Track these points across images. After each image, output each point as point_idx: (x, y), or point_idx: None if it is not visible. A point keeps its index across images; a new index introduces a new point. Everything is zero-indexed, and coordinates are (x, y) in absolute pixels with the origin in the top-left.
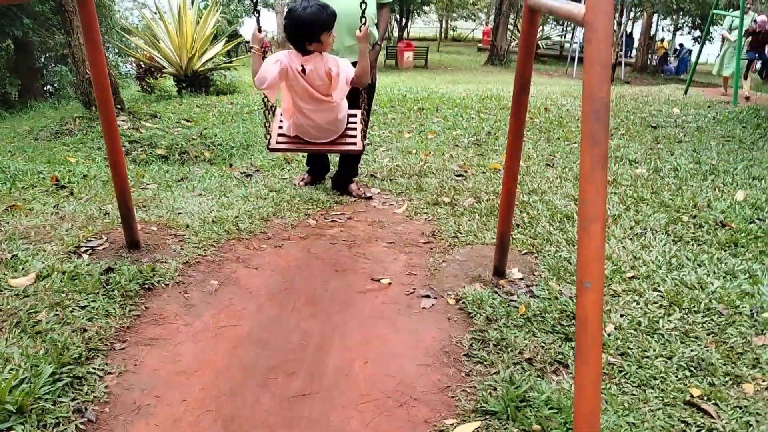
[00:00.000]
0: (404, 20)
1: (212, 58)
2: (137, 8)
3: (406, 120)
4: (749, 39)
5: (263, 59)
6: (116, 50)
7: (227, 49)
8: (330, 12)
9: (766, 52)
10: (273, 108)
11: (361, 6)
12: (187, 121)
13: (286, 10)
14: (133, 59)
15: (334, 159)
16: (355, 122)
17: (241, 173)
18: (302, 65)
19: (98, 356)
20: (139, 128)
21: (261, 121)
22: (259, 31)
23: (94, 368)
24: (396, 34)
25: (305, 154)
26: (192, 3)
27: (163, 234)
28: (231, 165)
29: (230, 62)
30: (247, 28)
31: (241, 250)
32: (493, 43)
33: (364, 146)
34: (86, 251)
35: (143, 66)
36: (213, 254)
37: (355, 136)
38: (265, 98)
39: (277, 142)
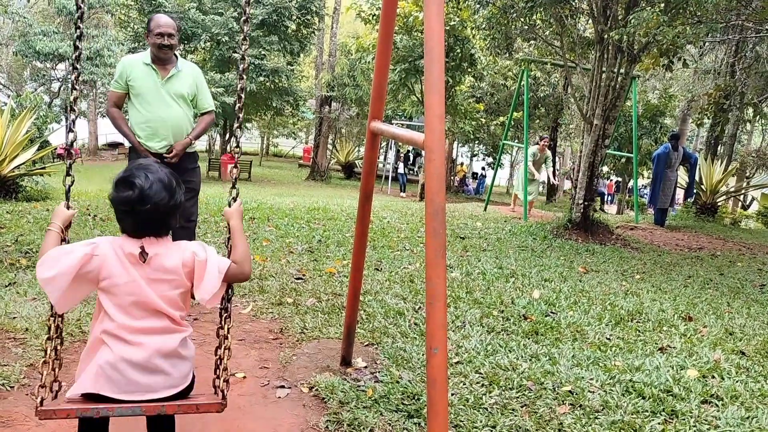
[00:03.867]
0: (227, 134)
1: (24, 163)
2: None
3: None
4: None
5: (60, 238)
6: None
7: (41, 155)
8: (176, 190)
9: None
10: (59, 332)
11: (238, 119)
12: None
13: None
14: None
15: None
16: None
17: None
18: (141, 247)
19: None
20: None
21: (84, 227)
22: (68, 207)
23: None
24: (218, 147)
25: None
26: (5, 105)
27: (0, 338)
28: None
29: (44, 168)
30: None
31: None
32: (314, 160)
33: (225, 398)
34: None
35: None
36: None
37: (202, 393)
38: (51, 316)
39: (52, 407)
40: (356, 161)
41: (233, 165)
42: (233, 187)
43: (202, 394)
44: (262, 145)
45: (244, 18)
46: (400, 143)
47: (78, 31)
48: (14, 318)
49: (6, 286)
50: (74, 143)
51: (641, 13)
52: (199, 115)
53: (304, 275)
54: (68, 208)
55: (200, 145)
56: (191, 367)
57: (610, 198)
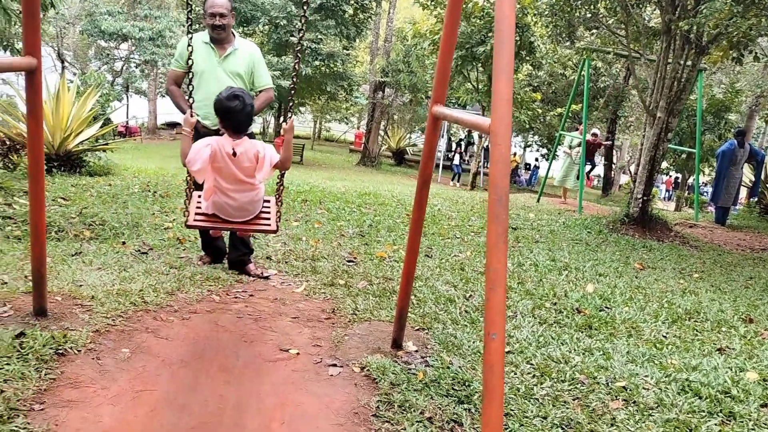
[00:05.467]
0: (281, 117)
1: (88, 138)
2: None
3: (291, 210)
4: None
5: (190, 139)
6: None
7: (103, 132)
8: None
9: (594, 159)
10: (191, 188)
11: (291, 93)
12: (64, 199)
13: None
14: None
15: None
16: (269, 207)
17: (136, 251)
18: (233, 149)
19: (19, 416)
20: (11, 204)
21: (144, 203)
22: (191, 116)
23: (17, 426)
24: (272, 129)
25: (199, 239)
26: (71, 83)
27: (68, 304)
28: (124, 243)
29: (107, 144)
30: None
31: (149, 321)
32: (366, 145)
33: (278, 227)
34: None
35: (7, 142)
36: (122, 324)
37: (269, 218)
38: (188, 177)
39: (195, 219)
40: (407, 148)
41: (291, 87)
42: (289, 109)
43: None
44: (314, 129)
45: (303, 0)
46: (451, 132)
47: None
48: (80, 286)
49: (72, 255)
50: (136, 120)
51: (713, 2)
52: (257, 92)
53: (355, 258)
54: (192, 116)
55: (254, 127)
56: (261, 202)
57: (668, 194)
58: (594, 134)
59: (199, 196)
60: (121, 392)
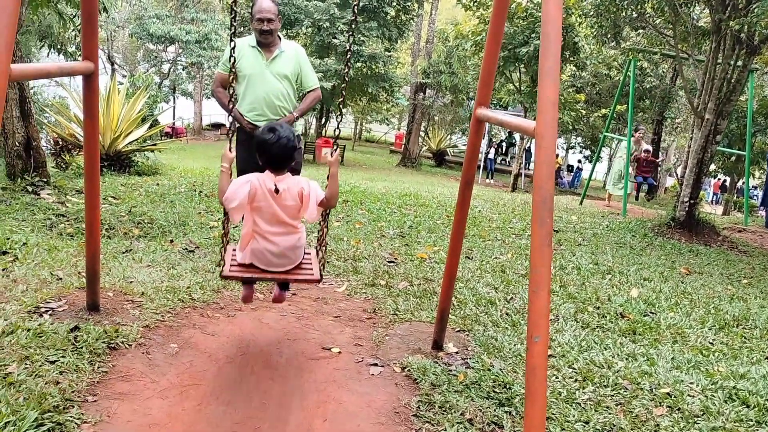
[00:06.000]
0: (323, 119)
1: (137, 139)
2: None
3: (332, 210)
4: (635, 165)
5: (229, 174)
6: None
7: (151, 133)
8: (297, 139)
9: (650, 177)
10: (228, 234)
11: (338, 119)
12: (114, 198)
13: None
14: (49, 135)
15: None
16: (309, 253)
17: (183, 249)
18: (275, 185)
19: (73, 406)
20: (65, 203)
21: (190, 202)
22: (230, 150)
23: (72, 417)
24: (314, 131)
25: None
26: (121, 85)
27: (119, 299)
28: (171, 241)
29: (155, 144)
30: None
31: (196, 318)
32: (406, 146)
33: (322, 275)
34: (46, 311)
35: (60, 142)
36: (170, 320)
37: (311, 265)
38: (224, 221)
39: (231, 270)
40: (448, 149)
41: (336, 126)
42: (335, 143)
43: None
44: (354, 130)
45: (355, 3)
46: (492, 132)
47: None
48: (131, 282)
49: (123, 253)
50: (182, 121)
51: (765, 1)
52: (305, 93)
53: (396, 259)
54: (231, 151)
55: (298, 127)
56: (303, 250)
57: (715, 198)
58: (647, 151)
59: (234, 249)
60: (170, 386)
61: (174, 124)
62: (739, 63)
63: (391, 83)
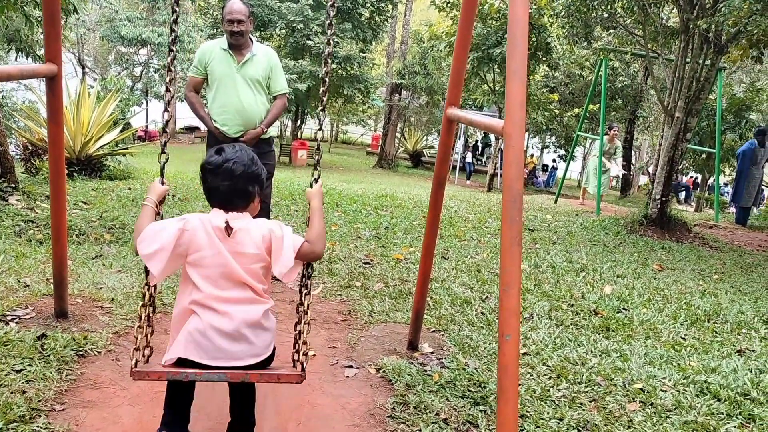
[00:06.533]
0: (298, 121)
1: (109, 143)
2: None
3: (307, 212)
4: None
5: (155, 212)
6: None
7: (123, 137)
8: (259, 165)
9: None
10: (147, 311)
11: (318, 145)
12: (85, 203)
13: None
14: (18, 140)
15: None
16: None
17: None
18: (227, 222)
19: (41, 416)
20: (34, 208)
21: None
22: (161, 182)
23: (38, 426)
24: (289, 133)
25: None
26: (92, 88)
27: (88, 306)
28: None
29: (127, 148)
30: (136, 118)
31: (167, 324)
32: (383, 148)
33: (305, 371)
34: (12, 320)
35: (30, 147)
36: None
37: (288, 360)
38: (144, 291)
39: (150, 363)
40: (424, 150)
41: (316, 147)
42: (315, 169)
43: (282, 366)
44: (331, 132)
45: (330, 3)
46: (468, 133)
47: (174, 15)
48: (101, 288)
49: (93, 258)
50: (155, 124)
51: (732, 1)
52: (272, 98)
53: (371, 260)
54: (162, 183)
55: (272, 130)
56: (272, 338)
57: (686, 194)
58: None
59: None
60: (140, 393)
61: (147, 127)
62: (708, 62)
63: (366, 84)
